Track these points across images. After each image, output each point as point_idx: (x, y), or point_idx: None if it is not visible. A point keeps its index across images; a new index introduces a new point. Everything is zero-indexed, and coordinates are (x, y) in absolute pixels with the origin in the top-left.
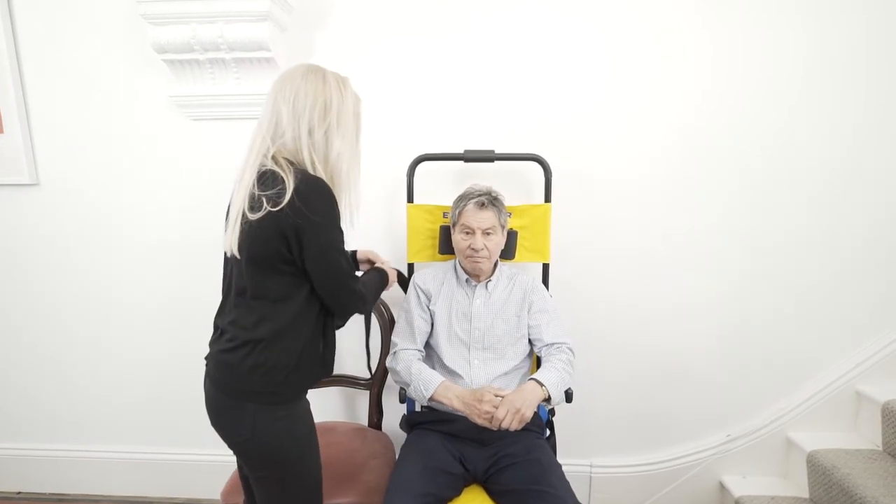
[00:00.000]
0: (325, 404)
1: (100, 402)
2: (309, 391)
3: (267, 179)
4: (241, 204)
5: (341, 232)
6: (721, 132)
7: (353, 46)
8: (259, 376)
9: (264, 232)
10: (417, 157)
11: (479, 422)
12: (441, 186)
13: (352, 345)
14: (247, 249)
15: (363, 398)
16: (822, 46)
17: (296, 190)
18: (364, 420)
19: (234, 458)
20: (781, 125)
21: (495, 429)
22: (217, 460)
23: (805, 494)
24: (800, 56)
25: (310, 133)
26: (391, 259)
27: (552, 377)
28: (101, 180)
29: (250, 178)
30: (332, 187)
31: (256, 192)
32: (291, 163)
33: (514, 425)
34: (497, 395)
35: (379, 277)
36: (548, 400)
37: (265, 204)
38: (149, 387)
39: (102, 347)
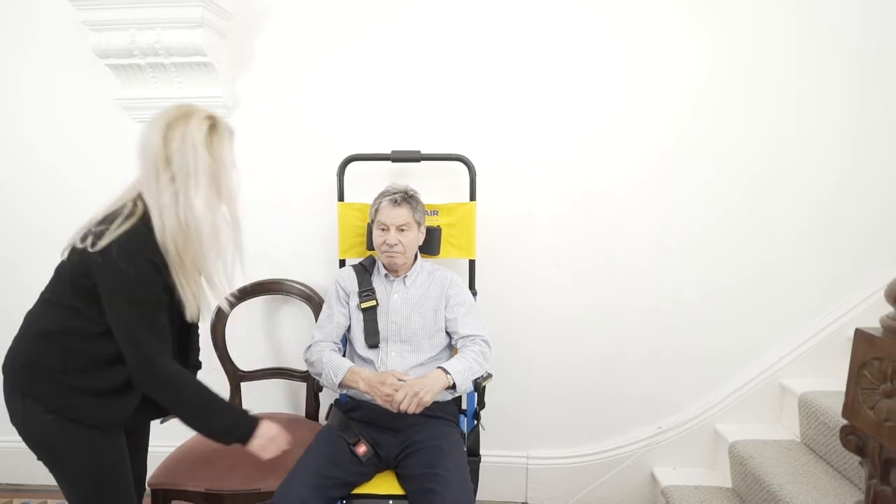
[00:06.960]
0: (268, 395)
1: None
2: (254, 381)
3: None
4: (84, 225)
5: (154, 296)
6: (651, 128)
7: (290, 51)
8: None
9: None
10: (347, 158)
11: (382, 403)
12: (373, 185)
13: (289, 337)
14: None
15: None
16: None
17: (104, 250)
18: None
19: None
20: (700, 126)
21: (395, 411)
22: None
23: (729, 484)
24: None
25: (157, 194)
26: (325, 257)
27: (459, 366)
28: (52, 182)
29: (102, 210)
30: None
31: (92, 227)
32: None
33: (412, 408)
34: (400, 380)
35: (221, 412)
36: (453, 387)
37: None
38: None
39: None
